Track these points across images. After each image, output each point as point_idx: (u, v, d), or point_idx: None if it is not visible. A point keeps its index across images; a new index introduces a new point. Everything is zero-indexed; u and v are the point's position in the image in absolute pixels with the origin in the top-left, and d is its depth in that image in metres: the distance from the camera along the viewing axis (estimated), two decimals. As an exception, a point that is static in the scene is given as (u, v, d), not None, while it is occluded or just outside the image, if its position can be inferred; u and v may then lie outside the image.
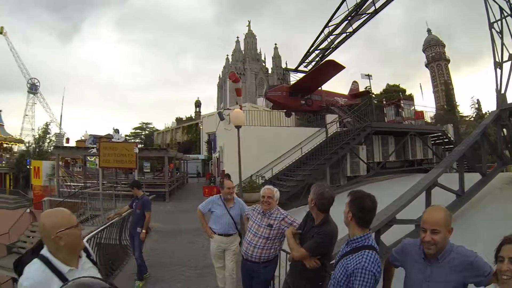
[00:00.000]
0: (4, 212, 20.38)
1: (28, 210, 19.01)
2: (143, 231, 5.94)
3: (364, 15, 17.68)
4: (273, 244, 3.66)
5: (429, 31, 78.50)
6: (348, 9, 17.49)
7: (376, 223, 5.33)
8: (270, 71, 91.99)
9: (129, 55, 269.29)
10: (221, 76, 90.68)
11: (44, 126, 40.96)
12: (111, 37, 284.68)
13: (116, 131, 17.51)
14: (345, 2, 17.40)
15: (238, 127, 9.48)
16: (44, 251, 1.84)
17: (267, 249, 3.64)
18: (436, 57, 75.85)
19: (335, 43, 19.87)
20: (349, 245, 2.26)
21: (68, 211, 1.96)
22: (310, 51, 21.19)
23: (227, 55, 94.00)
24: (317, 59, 21.46)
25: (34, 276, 1.73)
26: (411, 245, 2.19)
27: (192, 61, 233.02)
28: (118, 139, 15.82)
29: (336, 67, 16.59)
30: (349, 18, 17.91)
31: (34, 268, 1.76)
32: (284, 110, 18.89)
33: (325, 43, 20.12)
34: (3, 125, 52.31)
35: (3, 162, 41.97)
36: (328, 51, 20.51)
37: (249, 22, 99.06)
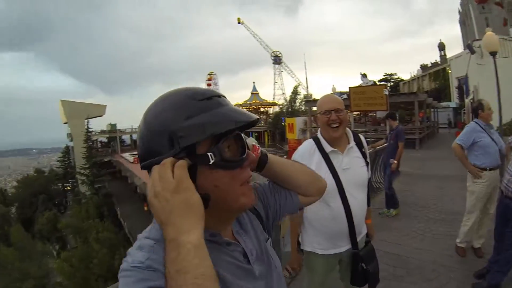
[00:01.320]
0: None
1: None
2: (395, 161, 6.09)
3: None
4: None
5: None
6: None
7: None
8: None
9: (356, 9, 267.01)
10: (460, 10, 77.83)
11: (294, 89, 47.64)
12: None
13: (364, 75, 18.18)
14: None
15: (493, 54, 8.19)
16: (319, 134, 2.08)
17: None
18: None
19: None
20: None
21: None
22: None
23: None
24: None
25: (302, 148, 2.07)
26: None
27: (424, 1, 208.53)
28: (367, 83, 16.36)
29: None
30: None
31: (305, 143, 2.10)
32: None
33: None
34: (257, 93, 63.97)
35: (261, 122, 50.63)
36: None
37: None
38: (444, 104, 37.40)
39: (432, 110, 30.51)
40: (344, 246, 2.02)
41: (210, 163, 0.72)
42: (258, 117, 0.81)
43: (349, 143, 2.03)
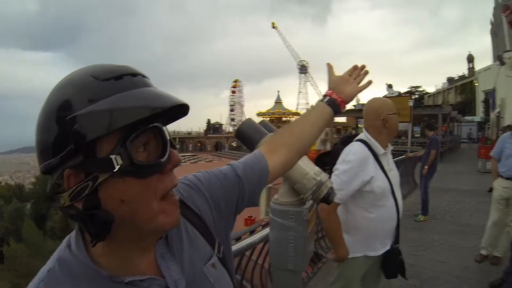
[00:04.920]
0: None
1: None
2: (425, 167, 6.52)
3: None
4: None
5: None
6: None
7: None
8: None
9: (385, 19, 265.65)
10: (492, 21, 76.14)
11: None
12: (362, 7, 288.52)
13: (390, 86, 18.24)
14: None
15: None
16: (363, 136, 2.07)
17: None
18: None
19: None
20: None
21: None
22: None
23: (496, -8, 77.91)
24: None
25: (359, 152, 1.96)
26: None
27: (455, 9, 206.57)
28: (392, 93, 16.42)
29: None
30: None
31: (356, 146, 2.00)
32: None
33: None
34: (281, 102, 64.22)
35: None
36: None
37: None
38: (468, 118, 36.72)
39: (456, 124, 29.95)
40: (389, 244, 2.10)
41: (115, 170, 0.53)
42: (186, 102, 0.62)
43: (387, 146, 2.10)
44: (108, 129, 0.52)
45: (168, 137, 0.60)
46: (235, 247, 1.89)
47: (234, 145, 58.96)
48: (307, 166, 1.33)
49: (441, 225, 6.13)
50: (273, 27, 76.35)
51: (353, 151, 1.96)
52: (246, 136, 1.29)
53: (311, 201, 1.44)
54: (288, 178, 1.38)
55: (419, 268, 4.20)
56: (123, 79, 0.57)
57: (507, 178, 4.02)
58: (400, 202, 2.05)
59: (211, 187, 0.81)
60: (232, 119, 77.28)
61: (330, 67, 1.17)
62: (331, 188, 1.33)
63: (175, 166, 0.62)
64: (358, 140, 2.06)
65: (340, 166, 1.93)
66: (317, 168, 1.34)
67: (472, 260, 4.34)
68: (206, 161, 48.89)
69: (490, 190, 4.70)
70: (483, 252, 4.31)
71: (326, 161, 2.03)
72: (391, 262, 2.09)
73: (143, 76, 0.61)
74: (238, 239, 2.37)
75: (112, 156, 0.53)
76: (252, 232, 2.65)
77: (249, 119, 1.41)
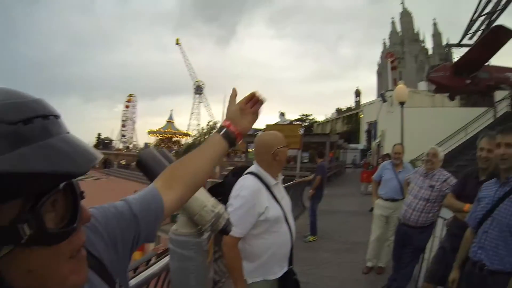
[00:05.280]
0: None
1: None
2: (310, 190, 7.22)
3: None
4: (432, 208, 3.57)
5: None
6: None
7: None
8: (430, 52, 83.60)
9: (286, 49, 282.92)
10: (379, 63, 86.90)
11: (213, 123, 47.91)
12: (266, 35, 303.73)
13: (282, 114, 19.18)
14: None
15: (401, 103, 9.68)
16: (253, 168, 2.12)
17: (426, 212, 3.55)
18: None
19: (502, 3, 17.00)
20: (507, 185, 2.09)
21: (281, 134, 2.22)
22: (474, 19, 18.83)
23: (384, 39, 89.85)
24: (482, 28, 18.81)
25: (251, 186, 2.01)
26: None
27: (350, 49, 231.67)
28: (284, 121, 17.23)
29: (505, 34, 14.52)
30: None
31: (248, 180, 2.05)
32: (447, 94, 17.70)
33: (490, 5, 17.47)
34: (173, 122, 63.50)
35: (173, 152, 49.34)
36: (495, 15, 17.73)
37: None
38: (353, 145, 40.52)
39: (342, 150, 32.81)
40: (286, 266, 2.13)
41: (23, 241, 0.43)
42: (102, 154, 0.54)
43: (277, 176, 2.17)
44: (7, 199, 0.42)
45: (78, 193, 0.52)
46: (134, 280, 1.80)
47: (123, 163, 56.26)
48: (205, 198, 1.35)
49: (330, 244, 6.55)
50: (177, 44, 75.28)
51: (246, 186, 2.02)
52: (147, 167, 1.26)
53: (209, 232, 1.45)
54: (186, 210, 1.37)
55: (313, 285, 4.41)
56: (33, 123, 0.45)
57: (386, 199, 4.67)
58: (293, 227, 2.15)
59: (107, 226, 0.73)
60: (123, 135, 73.55)
61: (234, 94, 1.10)
62: (228, 219, 1.37)
63: (85, 223, 0.55)
64: (249, 173, 2.12)
65: (234, 201, 1.97)
66: (213, 200, 1.37)
67: (361, 272, 4.83)
68: (94, 179, 45.68)
69: (371, 210, 5.32)
70: (369, 264, 4.89)
71: (219, 192, 1.99)
72: (288, 283, 2.15)
73: (56, 117, 0.50)
74: (135, 269, 2.22)
75: (19, 225, 0.43)
76: (148, 262, 2.51)
77: (150, 148, 1.41)
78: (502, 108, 15.07)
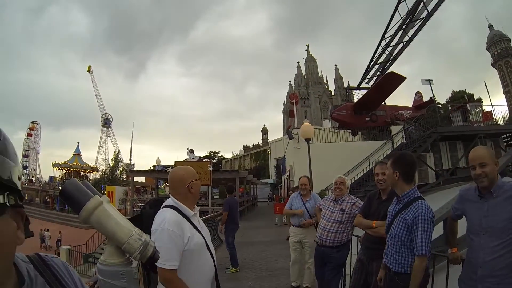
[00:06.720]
0: (81, 230, 21.58)
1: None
2: (219, 225, 7.82)
3: (418, 21, 17.24)
4: (346, 228, 4.00)
5: (490, 26, 67.35)
6: (401, 18, 17.28)
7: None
8: (333, 93, 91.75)
9: (194, 87, 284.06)
10: (285, 103, 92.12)
11: (114, 156, 45.65)
12: (175, 72, 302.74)
13: (191, 151, 18.84)
14: (397, 11, 17.21)
15: (307, 140, 10.27)
16: (170, 201, 2.16)
17: (340, 232, 3.96)
18: (502, 54, 63.35)
19: (393, 54, 19.54)
20: (401, 202, 2.55)
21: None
22: (370, 66, 21.08)
23: (290, 81, 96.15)
24: (377, 74, 21.27)
25: (172, 218, 2.02)
26: (468, 190, 2.39)
27: (257, 89, 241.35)
28: (193, 158, 16.92)
29: (397, 79, 16.52)
30: (404, 26, 17.57)
31: (169, 213, 2.06)
32: (350, 130, 19.28)
33: (384, 56, 19.91)
34: (80, 155, 58.83)
35: None
36: (388, 63, 20.24)
37: (308, 46, 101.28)
38: (263, 180, 41.58)
39: (252, 185, 33.38)
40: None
41: None
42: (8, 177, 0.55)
43: (194, 207, 2.23)
44: None
45: None
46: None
47: (25, 198, 49.87)
48: (130, 226, 1.36)
49: (252, 272, 6.56)
50: (88, 71, 69.95)
51: (168, 218, 2.02)
52: (71, 197, 1.27)
53: (138, 260, 1.42)
54: (113, 239, 1.34)
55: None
56: None
57: (296, 226, 5.21)
58: (214, 253, 2.22)
59: None
60: (25, 167, 65.40)
61: None
62: (155, 247, 1.39)
63: None
64: (166, 206, 2.15)
65: (160, 235, 1.96)
66: (137, 229, 1.38)
67: (288, 294, 4.89)
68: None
69: (288, 238, 5.63)
70: (294, 284, 5.29)
71: (137, 225, 1.95)
72: None
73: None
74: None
75: None
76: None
77: (74, 179, 1.37)
78: (398, 140, 16.92)
